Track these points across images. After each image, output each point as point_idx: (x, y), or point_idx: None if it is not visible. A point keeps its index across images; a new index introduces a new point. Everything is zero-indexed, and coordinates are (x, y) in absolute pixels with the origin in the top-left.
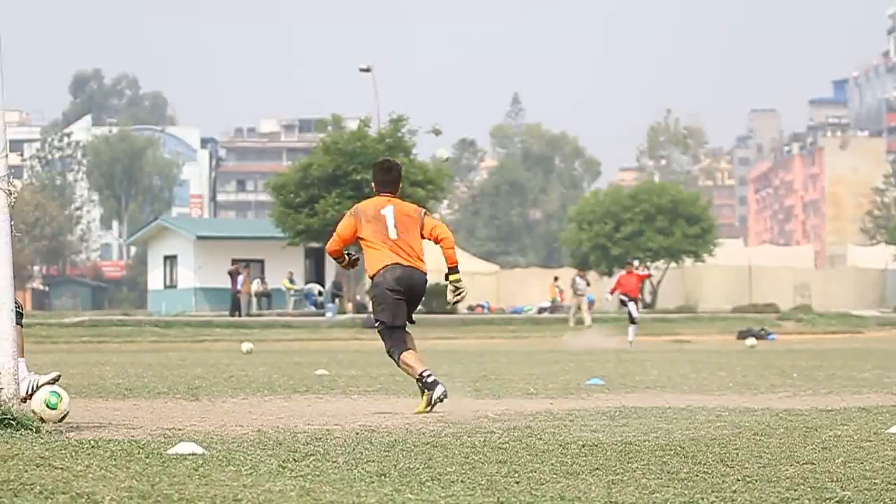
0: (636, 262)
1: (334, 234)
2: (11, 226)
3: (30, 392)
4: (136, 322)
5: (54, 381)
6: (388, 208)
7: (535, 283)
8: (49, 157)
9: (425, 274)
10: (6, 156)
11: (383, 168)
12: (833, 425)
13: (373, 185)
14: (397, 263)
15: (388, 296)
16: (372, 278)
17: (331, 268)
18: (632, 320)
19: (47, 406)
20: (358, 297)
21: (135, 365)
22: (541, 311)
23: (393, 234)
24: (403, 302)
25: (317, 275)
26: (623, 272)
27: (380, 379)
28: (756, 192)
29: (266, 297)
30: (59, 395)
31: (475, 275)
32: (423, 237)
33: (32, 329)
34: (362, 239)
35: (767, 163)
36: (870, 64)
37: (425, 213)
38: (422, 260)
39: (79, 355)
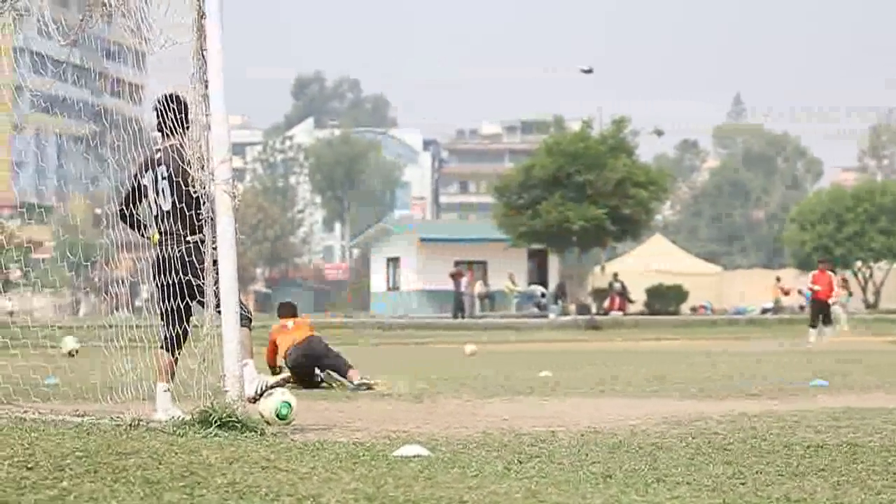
0: (829, 262)
1: None
2: (235, 228)
3: (258, 393)
4: (359, 324)
5: (284, 382)
6: None
7: (757, 283)
8: (271, 160)
9: None
10: (230, 159)
11: None
12: None
13: None
14: None
15: None
16: None
17: (553, 270)
18: (825, 321)
19: (278, 416)
20: (581, 299)
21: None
22: (764, 311)
23: None
24: None
25: (539, 276)
26: (816, 272)
27: (605, 381)
28: None
29: (489, 298)
30: (289, 406)
31: (697, 276)
32: None
33: (256, 332)
34: None
35: None
36: None
37: None
38: None
39: None
